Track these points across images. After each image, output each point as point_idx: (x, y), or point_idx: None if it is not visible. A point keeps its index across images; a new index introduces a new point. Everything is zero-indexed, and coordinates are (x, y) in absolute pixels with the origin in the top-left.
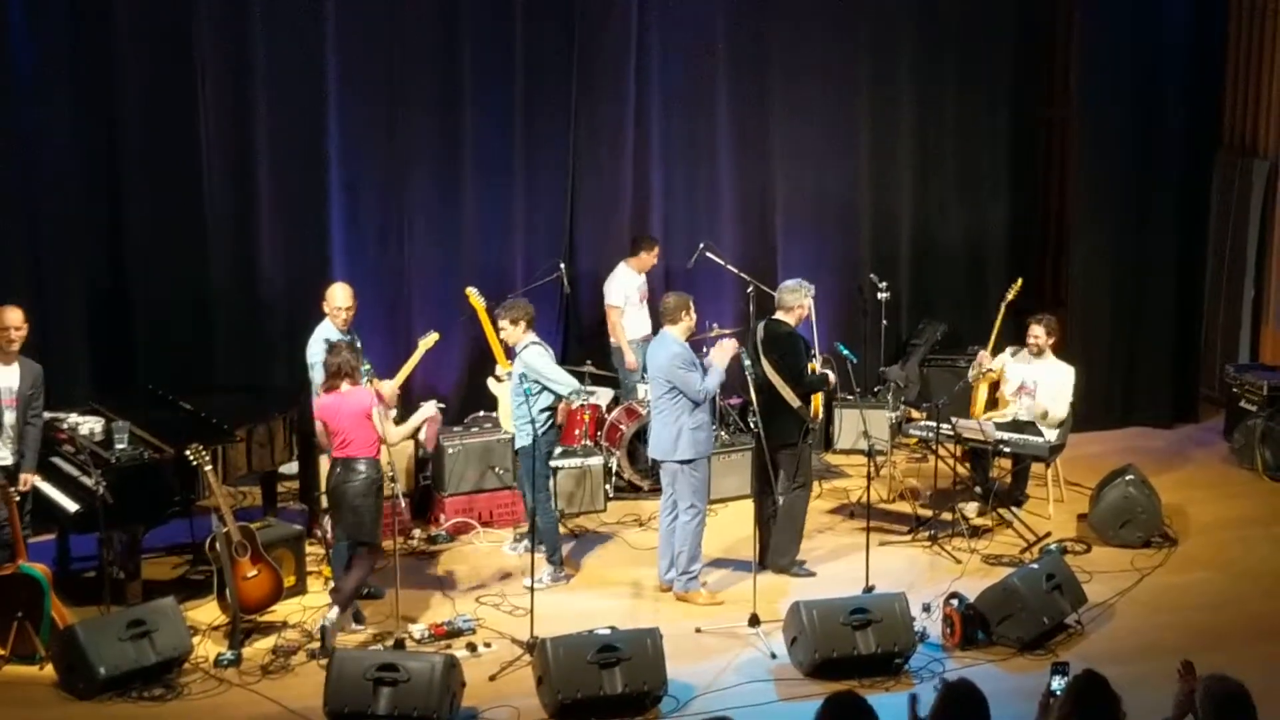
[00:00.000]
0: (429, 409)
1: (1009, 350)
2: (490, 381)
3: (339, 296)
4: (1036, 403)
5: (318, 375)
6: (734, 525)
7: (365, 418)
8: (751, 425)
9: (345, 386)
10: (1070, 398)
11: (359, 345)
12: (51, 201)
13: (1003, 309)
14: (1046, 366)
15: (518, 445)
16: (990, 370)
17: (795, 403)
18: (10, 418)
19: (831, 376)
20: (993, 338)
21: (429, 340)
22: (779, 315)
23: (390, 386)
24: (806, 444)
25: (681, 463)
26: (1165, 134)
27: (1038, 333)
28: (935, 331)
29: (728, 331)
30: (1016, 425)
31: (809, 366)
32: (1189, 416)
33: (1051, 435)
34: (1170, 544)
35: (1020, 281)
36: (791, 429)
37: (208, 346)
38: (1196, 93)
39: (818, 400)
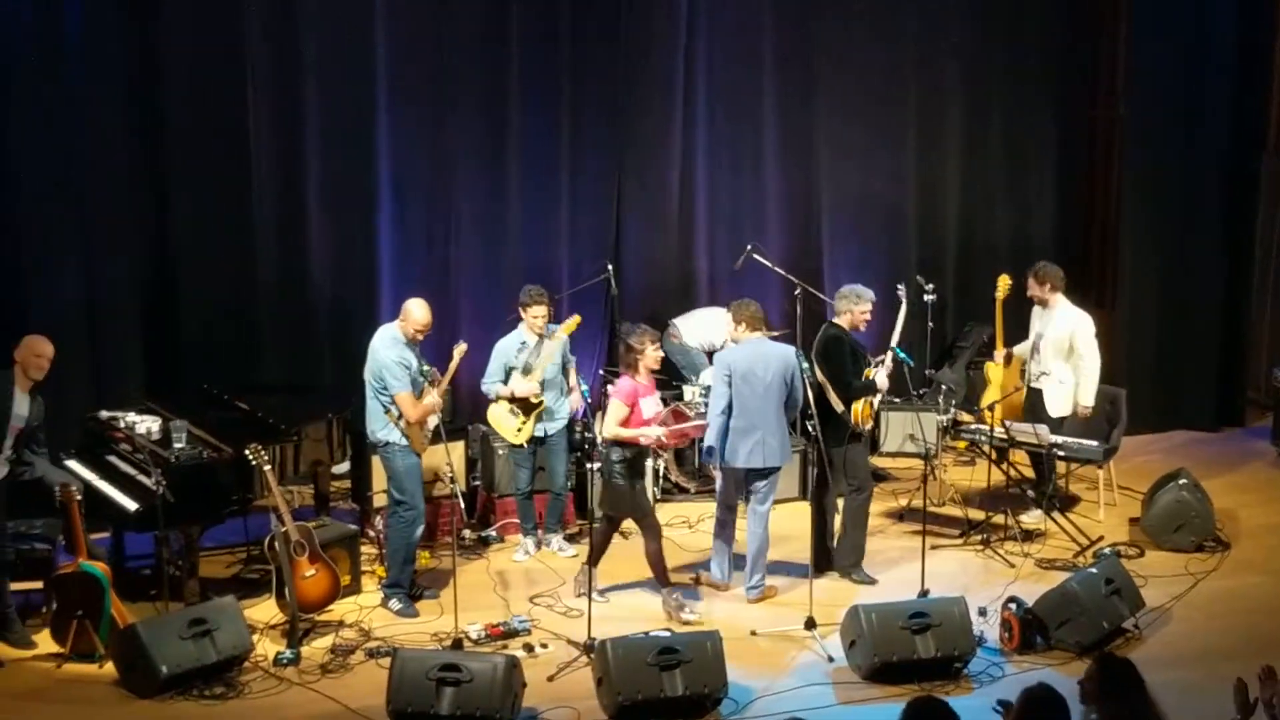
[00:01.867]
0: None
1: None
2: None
3: (420, 314)
4: (1065, 404)
5: (402, 380)
6: (782, 527)
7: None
8: (810, 428)
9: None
10: (1088, 352)
11: (420, 350)
12: (102, 202)
13: (998, 309)
14: (1052, 318)
15: (556, 430)
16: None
17: (839, 406)
18: (8, 446)
19: (883, 380)
20: (998, 338)
21: (460, 350)
22: (835, 319)
23: (434, 399)
24: (853, 446)
25: (778, 467)
26: (1212, 136)
27: (1031, 284)
28: (981, 334)
29: (775, 334)
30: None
31: (865, 373)
32: (1235, 420)
33: (1090, 400)
34: (1223, 548)
35: (1007, 279)
36: (837, 432)
37: (256, 346)
38: (1243, 95)
39: (859, 407)
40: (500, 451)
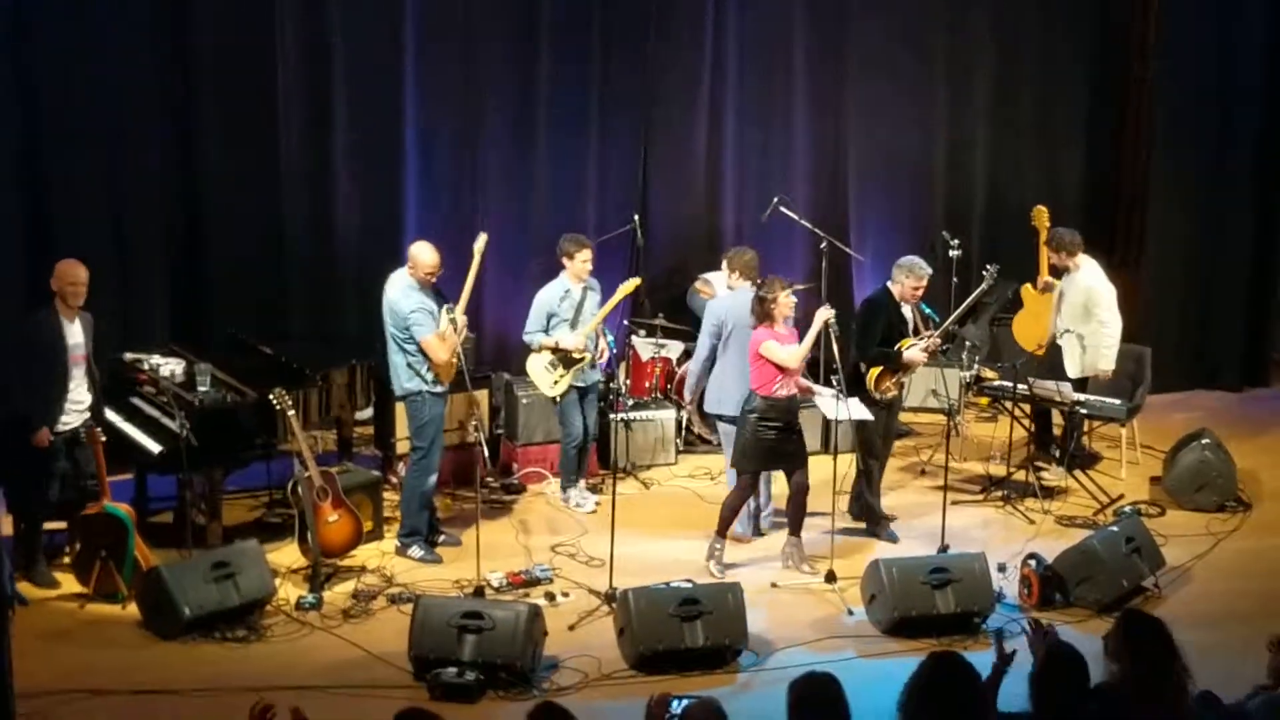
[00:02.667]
0: (825, 312)
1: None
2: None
3: (428, 256)
4: (1090, 364)
5: (427, 325)
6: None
7: (755, 356)
8: (834, 381)
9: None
10: (1109, 318)
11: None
12: (131, 150)
13: (1043, 235)
14: (1074, 281)
15: (592, 380)
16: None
17: (863, 367)
18: (80, 373)
19: (914, 355)
20: (1043, 267)
21: (480, 244)
22: (890, 284)
23: (460, 317)
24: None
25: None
26: (1242, 96)
27: (1050, 257)
28: (1006, 290)
29: (801, 286)
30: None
31: (901, 344)
32: (1259, 380)
33: (1109, 365)
34: (1244, 509)
35: (1042, 208)
36: (857, 388)
37: (282, 294)
38: (1275, 55)
39: (874, 374)
40: (524, 400)
